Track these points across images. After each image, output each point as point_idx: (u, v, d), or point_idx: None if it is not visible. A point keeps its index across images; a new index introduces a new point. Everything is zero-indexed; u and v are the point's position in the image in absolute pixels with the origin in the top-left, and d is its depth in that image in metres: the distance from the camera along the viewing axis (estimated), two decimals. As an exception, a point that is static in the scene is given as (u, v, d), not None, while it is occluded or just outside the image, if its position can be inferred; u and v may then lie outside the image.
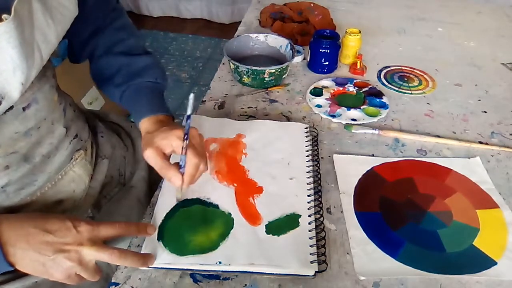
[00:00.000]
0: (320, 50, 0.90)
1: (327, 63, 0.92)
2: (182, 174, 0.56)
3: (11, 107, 0.49)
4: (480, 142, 0.74)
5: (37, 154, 0.55)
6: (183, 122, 0.57)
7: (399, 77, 0.93)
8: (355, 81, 0.90)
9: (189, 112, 0.54)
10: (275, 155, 0.68)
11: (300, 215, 0.58)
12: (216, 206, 0.59)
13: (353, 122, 0.78)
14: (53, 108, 0.58)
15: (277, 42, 0.94)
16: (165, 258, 0.52)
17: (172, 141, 0.56)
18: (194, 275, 0.52)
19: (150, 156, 0.55)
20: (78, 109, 0.68)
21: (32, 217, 0.49)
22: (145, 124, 0.62)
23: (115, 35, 0.68)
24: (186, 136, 0.54)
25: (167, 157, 0.57)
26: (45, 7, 0.48)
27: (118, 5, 0.71)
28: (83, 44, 0.67)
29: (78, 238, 0.47)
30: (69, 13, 0.53)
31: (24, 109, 0.51)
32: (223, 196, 0.61)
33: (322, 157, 0.70)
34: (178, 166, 0.56)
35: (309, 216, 0.58)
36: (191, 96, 0.52)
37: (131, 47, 0.68)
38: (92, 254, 0.47)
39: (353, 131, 0.76)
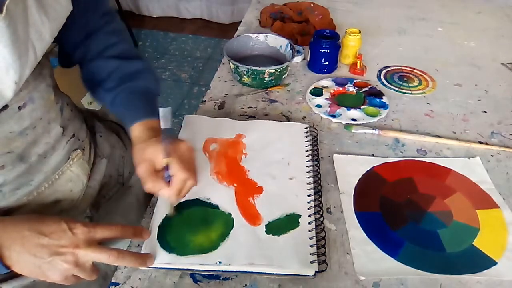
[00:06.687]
0: (320, 50, 0.90)
1: (327, 63, 0.92)
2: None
3: (6, 106, 0.49)
4: (480, 142, 0.74)
5: (33, 154, 0.55)
6: (161, 137, 0.53)
7: (399, 77, 0.93)
8: (355, 81, 0.90)
9: (162, 125, 0.50)
10: (275, 155, 0.68)
11: (300, 215, 0.58)
12: (216, 207, 0.59)
13: (353, 122, 0.78)
14: (50, 107, 0.57)
15: (277, 42, 0.94)
16: (165, 258, 0.52)
17: (161, 157, 0.54)
18: (194, 275, 0.52)
19: (142, 173, 0.54)
20: (75, 109, 0.68)
21: (27, 220, 0.48)
22: (137, 131, 0.60)
23: (107, 39, 0.66)
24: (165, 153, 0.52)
25: (158, 172, 0.55)
26: (39, 3, 0.48)
27: (110, 9, 0.70)
28: (75, 48, 0.66)
29: (74, 240, 0.47)
30: (63, 9, 0.52)
31: (19, 108, 0.51)
32: (223, 197, 0.61)
33: (322, 157, 0.70)
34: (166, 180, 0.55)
35: (309, 216, 0.58)
36: (168, 110, 0.48)
37: (122, 51, 0.67)
38: (88, 256, 0.47)
39: (353, 131, 0.76)
